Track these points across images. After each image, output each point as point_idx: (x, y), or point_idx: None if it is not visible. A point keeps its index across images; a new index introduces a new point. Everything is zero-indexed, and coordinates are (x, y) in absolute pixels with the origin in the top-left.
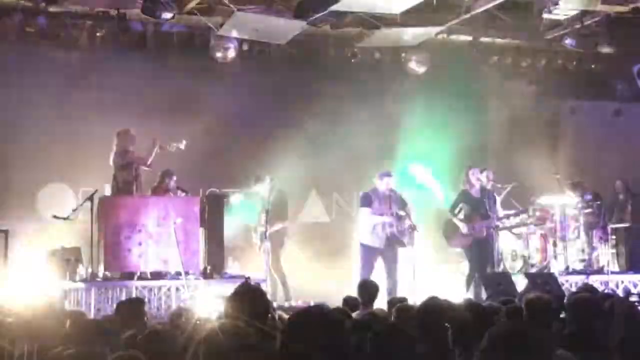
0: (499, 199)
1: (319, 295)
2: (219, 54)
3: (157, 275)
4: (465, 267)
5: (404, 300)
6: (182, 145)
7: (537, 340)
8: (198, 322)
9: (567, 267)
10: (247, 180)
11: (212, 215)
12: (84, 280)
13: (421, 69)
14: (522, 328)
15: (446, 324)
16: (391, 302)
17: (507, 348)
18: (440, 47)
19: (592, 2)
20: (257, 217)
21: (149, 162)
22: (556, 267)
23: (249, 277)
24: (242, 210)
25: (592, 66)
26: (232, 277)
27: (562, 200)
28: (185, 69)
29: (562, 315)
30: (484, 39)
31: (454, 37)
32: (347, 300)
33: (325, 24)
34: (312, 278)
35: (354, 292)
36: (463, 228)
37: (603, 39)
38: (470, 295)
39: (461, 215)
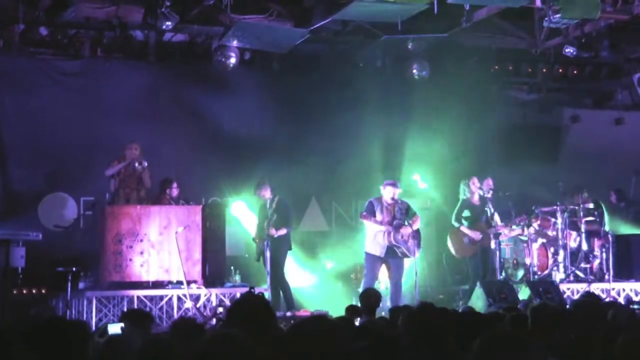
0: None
1: (321, 304)
2: (220, 63)
3: (158, 285)
4: (465, 276)
5: (408, 308)
6: (143, 164)
7: (525, 346)
8: (199, 331)
9: (569, 276)
10: (249, 186)
11: (214, 225)
12: (85, 290)
13: (422, 77)
14: (511, 334)
15: (445, 330)
16: (394, 310)
17: (497, 354)
18: (441, 55)
19: (592, 11)
20: (259, 225)
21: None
22: (558, 276)
23: (253, 287)
24: (244, 220)
25: (593, 75)
26: (234, 286)
27: (563, 208)
28: (187, 78)
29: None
30: (484, 47)
31: (455, 45)
32: (350, 309)
33: (327, 32)
34: (314, 287)
35: (355, 301)
36: (474, 236)
37: (603, 47)
38: (470, 303)
39: (466, 224)
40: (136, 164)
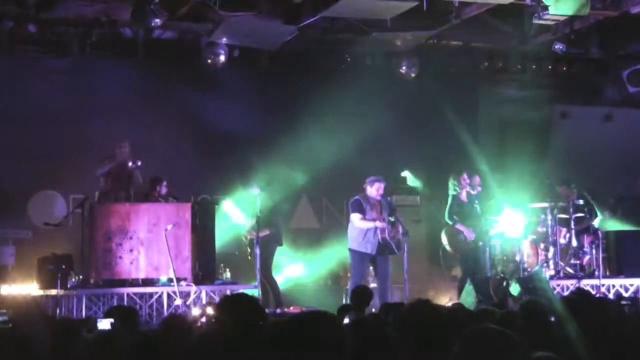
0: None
1: (310, 302)
2: (209, 60)
3: (148, 282)
4: (457, 272)
5: (400, 305)
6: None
7: (507, 342)
8: (189, 328)
9: (559, 272)
10: (235, 188)
11: (203, 222)
12: (75, 287)
13: (411, 74)
14: (496, 330)
15: (434, 327)
16: (385, 308)
17: (477, 350)
18: (430, 53)
19: (581, 7)
20: (248, 224)
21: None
22: (548, 272)
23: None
24: (233, 217)
25: (582, 71)
26: (224, 283)
27: (553, 205)
28: (176, 76)
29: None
30: (474, 44)
31: (444, 42)
32: (342, 308)
33: (316, 29)
34: (303, 284)
35: (345, 298)
36: (468, 234)
37: (593, 43)
38: (461, 300)
39: (457, 220)
40: (130, 163)
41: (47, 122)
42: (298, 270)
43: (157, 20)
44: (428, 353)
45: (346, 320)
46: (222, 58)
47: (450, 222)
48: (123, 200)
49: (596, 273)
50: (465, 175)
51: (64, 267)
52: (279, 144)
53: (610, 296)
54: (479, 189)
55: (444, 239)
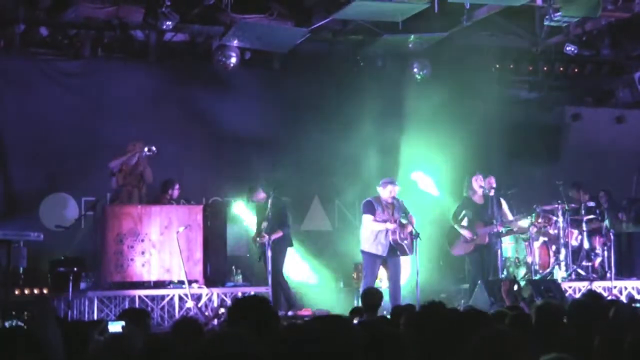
0: (504, 204)
1: (322, 304)
2: (220, 63)
3: (160, 285)
4: (467, 274)
5: (411, 307)
6: (152, 149)
7: (518, 344)
8: (201, 331)
9: (570, 274)
10: (249, 186)
11: (215, 224)
12: (87, 290)
13: (423, 76)
14: (503, 331)
15: (446, 329)
16: (396, 310)
17: (489, 352)
18: (441, 54)
19: (593, 9)
20: (258, 226)
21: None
22: (559, 274)
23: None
24: (245, 219)
25: (594, 73)
26: (235, 285)
27: (564, 207)
28: (187, 78)
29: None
30: (485, 46)
31: (455, 43)
32: (353, 311)
33: (327, 32)
34: (315, 286)
35: (357, 300)
36: (467, 235)
37: (605, 45)
38: (472, 302)
39: (464, 222)
40: (145, 149)
41: (58, 124)
42: (310, 273)
43: (169, 23)
44: (440, 355)
45: (355, 322)
46: (234, 60)
47: (452, 223)
48: (136, 198)
49: (608, 275)
50: (478, 177)
51: (75, 269)
52: (291, 146)
53: (623, 298)
54: (493, 191)
55: (447, 241)
